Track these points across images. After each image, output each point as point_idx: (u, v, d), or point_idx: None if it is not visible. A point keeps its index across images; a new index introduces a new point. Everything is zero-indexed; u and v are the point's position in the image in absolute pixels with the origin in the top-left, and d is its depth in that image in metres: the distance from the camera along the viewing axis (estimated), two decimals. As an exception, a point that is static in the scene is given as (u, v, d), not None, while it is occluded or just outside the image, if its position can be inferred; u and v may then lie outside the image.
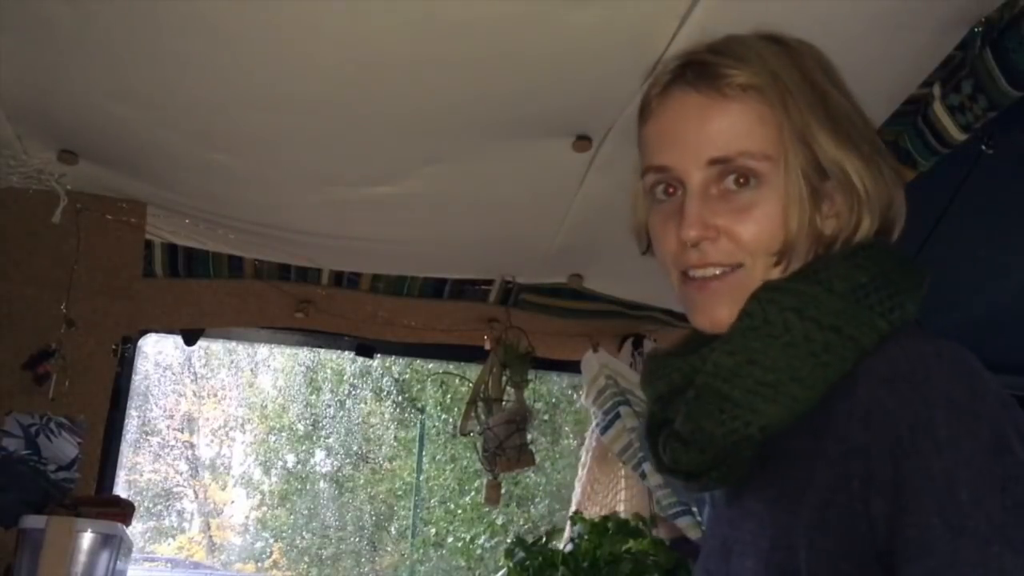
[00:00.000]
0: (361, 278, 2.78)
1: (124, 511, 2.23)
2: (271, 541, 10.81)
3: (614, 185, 2.09)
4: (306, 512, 10.63)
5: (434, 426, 9.98)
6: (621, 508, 2.70)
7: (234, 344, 8.70)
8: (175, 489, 11.35)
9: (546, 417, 9.16)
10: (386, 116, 1.90)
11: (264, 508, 11.05)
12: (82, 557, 1.98)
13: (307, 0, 1.52)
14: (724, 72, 0.87)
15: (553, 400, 9.31)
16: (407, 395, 10.36)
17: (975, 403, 0.73)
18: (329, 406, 10.70)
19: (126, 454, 8.48)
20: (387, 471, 10.68)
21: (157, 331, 2.75)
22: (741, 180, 0.86)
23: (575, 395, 8.61)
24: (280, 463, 11.03)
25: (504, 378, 2.77)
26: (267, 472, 11.09)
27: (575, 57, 1.66)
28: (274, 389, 11.37)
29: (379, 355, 3.00)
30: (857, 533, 0.73)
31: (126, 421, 2.62)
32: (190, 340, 2.77)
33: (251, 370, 11.56)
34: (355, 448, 10.77)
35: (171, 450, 11.39)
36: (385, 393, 10.54)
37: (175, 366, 11.22)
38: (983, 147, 1.70)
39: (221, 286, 2.67)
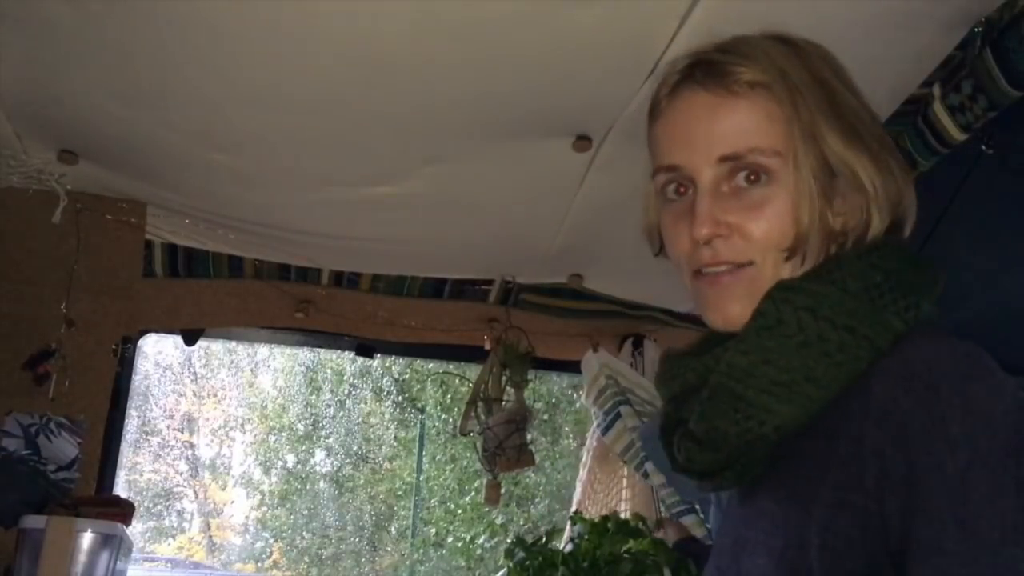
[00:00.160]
0: (361, 278, 2.78)
1: (124, 511, 2.23)
2: (271, 541, 10.82)
3: (614, 185, 2.09)
4: (306, 512, 10.63)
5: (434, 426, 9.99)
6: (623, 508, 2.70)
7: (234, 344, 8.71)
8: (175, 489, 11.36)
9: (546, 417, 9.16)
10: (386, 116, 1.90)
11: (264, 508, 11.06)
12: (82, 557, 1.98)
13: (307, 0, 1.52)
14: (732, 70, 0.87)
15: (553, 400, 9.32)
16: (407, 395, 10.37)
17: (991, 403, 0.72)
18: (329, 406, 10.71)
19: (126, 454, 8.49)
20: (387, 471, 10.69)
21: (157, 331, 2.75)
22: (752, 177, 0.86)
23: (575, 395, 8.62)
24: (280, 463, 11.04)
25: (504, 378, 2.77)
26: (267, 472, 11.10)
27: (575, 57, 1.66)
28: (274, 389, 11.39)
29: (379, 355, 3.00)
30: (870, 532, 0.73)
31: (126, 421, 2.63)
32: (190, 340, 2.77)
33: (251, 370, 11.57)
34: (355, 448, 10.78)
35: (171, 450, 11.40)
36: (385, 393, 10.54)
37: (175, 366, 11.24)
38: (983, 147, 1.70)
39: (221, 286, 2.68)
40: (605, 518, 2.18)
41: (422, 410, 10.17)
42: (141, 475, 10.85)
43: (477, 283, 2.84)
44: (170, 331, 2.76)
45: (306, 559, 10.51)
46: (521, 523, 9.08)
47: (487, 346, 2.80)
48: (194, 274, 2.64)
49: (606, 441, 2.71)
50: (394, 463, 10.67)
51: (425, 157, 2.07)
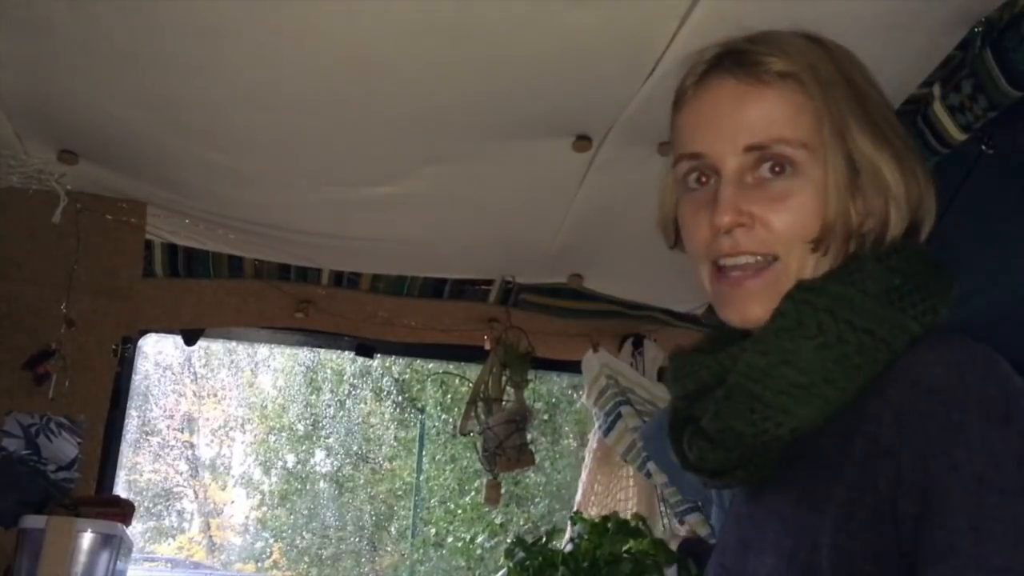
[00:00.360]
0: (361, 278, 2.78)
1: (124, 511, 2.23)
2: (271, 541, 10.81)
3: (614, 185, 2.09)
4: (306, 512, 10.63)
5: (434, 426, 9.98)
6: (623, 510, 2.70)
7: (234, 344, 8.70)
8: (175, 489, 11.35)
9: (546, 417, 9.16)
10: (386, 116, 1.90)
11: (264, 508, 11.05)
12: (82, 557, 1.98)
13: (307, 0, 1.52)
14: (763, 59, 0.86)
15: (553, 400, 9.31)
16: (407, 395, 10.36)
17: (1006, 407, 0.72)
18: (329, 406, 10.70)
19: (126, 454, 8.47)
20: (387, 471, 10.68)
21: (157, 331, 2.76)
22: (777, 168, 0.85)
23: (575, 395, 8.61)
24: (280, 463, 11.03)
25: (504, 378, 2.77)
26: (267, 472, 11.09)
27: (575, 57, 1.65)
28: (274, 389, 11.37)
29: (379, 355, 3.00)
30: (882, 533, 0.73)
31: (126, 421, 2.63)
32: (190, 340, 2.77)
33: (251, 370, 11.56)
34: (355, 448, 10.77)
35: (171, 450, 11.39)
36: (385, 393, 10.53)
37: (175, 366, 11.22)
38: (983, 147, 1.69)
39: (221, 286, 2.68)
40: (605, 518, 2.18)
41: (422, 410, 10.17)
42: (141, 475, 10.84)
43: (477, 283, 2.84)
44: (170, 331, 2.76)
45: (306, 559, 10.50)
46: (521, 523, 9.07)
47: (487, 346, 2.80)
48: (194, 274, 2.64)
49: (608, 442, 2.71)
50: (394, 463, 10.67)
51: (425, 157, 2.07)
